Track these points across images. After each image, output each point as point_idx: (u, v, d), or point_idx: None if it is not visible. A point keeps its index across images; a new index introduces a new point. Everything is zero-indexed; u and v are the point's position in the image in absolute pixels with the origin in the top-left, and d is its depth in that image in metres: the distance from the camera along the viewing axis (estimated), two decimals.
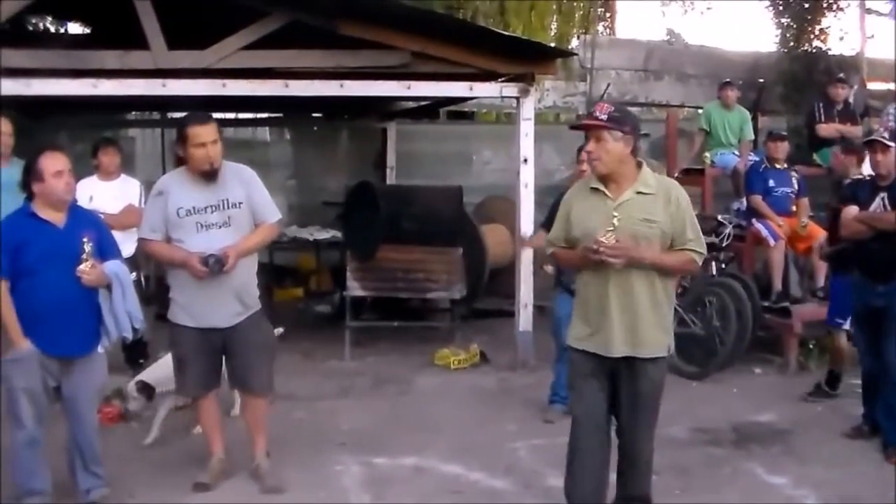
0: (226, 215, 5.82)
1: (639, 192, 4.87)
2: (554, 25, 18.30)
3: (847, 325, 7.99)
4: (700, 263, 5.05)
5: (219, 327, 5.88)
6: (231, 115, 14.45)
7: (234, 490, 6.09)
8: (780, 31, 16.02)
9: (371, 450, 6.83)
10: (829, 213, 8.38)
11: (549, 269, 7.74)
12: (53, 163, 5.51)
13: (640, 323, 4.87)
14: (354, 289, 9.72)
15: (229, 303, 5.87)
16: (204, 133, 5.77)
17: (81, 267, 5.43)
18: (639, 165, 4.96)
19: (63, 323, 5.42)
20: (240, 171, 6.04)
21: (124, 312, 5.67)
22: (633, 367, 4.92)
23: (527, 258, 9.23)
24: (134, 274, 6.86)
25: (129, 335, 5.81)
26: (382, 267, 9.74)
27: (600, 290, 4.91)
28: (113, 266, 5.65)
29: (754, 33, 49.08)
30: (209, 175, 5.82)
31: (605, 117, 4.84)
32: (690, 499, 6.00)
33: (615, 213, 4.82)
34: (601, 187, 4.92)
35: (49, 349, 5.45)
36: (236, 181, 5.93)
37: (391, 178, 13.59)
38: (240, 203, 5.86)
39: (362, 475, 6.42)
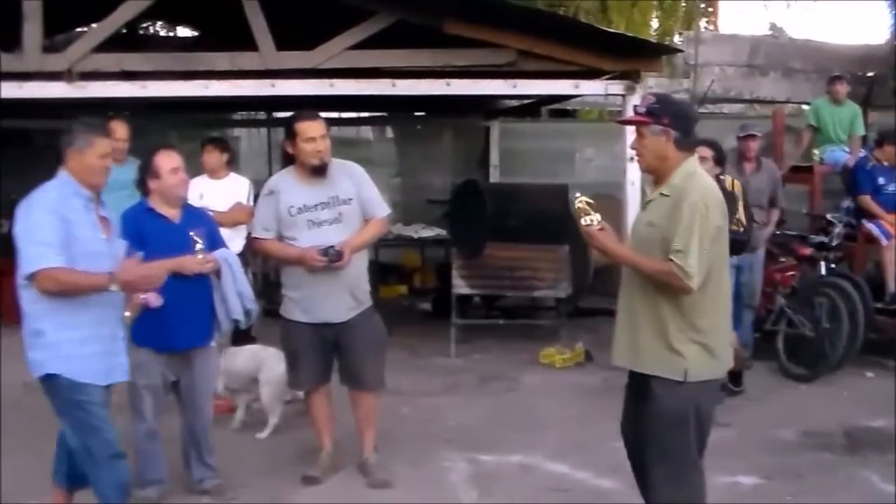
0: (337, 212, 5.89)
1: (661, 194, 4.37)
2: (656, 22, 18.15)
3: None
4: (685, 281, 4.17)
5: (332, 322, 5.95)
6: (334, 115, 14.59)
7: (343, 484, 6.16)
8: (893, 21, 15.63)
9: (477, 446, 6.85)
10: None
11: None
12: (169, 160, 5.69)
13: (640, 334, 4.41)
14: (460, 286, 9.76)
15: (343, 298, 5.93)
16: (313, 128, 5.86)
17: (199, 257, 5.58)
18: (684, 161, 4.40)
19: (180, 316, 5.56)
20: (348, 168, 6.12)
21: (234, 294, 5.76)
22: (642, 384, 4.48)
23: None
24: (244, 270, 6.99)
25: (242, 318, 5.86)
26: (488, 265, 9.77)
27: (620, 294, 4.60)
28: (221, 252, 5.80)
29: (862, 25, 48.04)
30: (319, 170, 5.89)
31: (643, 110, 4.38)
32: None
33: (577, 203, 4.50)
34: (647, 186, 4.69)
35: (169, 344, 5.62)
36: (345, 178, 6.01)
37: (495, 176, 13.58)
38: (350, 199, 5.93)
39: (469, 472, 6.44)
